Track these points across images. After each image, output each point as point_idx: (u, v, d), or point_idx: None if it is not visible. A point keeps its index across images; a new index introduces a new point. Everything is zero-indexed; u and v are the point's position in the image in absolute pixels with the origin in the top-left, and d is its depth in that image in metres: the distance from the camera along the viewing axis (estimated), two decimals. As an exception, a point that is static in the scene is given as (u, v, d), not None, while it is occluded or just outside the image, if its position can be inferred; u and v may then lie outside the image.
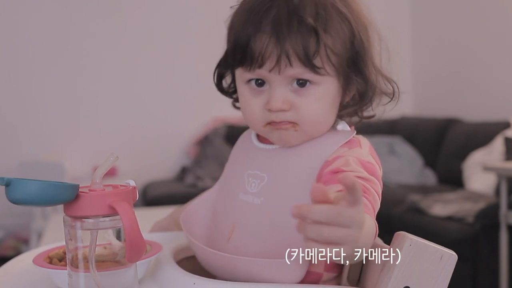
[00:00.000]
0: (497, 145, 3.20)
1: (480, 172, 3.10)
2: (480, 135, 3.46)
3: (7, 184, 0.62)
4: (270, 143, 0.83)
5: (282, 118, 0.76)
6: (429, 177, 3.79)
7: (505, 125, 3.32)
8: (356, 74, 0.78)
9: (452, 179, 3.58)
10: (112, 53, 4.15)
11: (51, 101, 4.07)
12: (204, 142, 4.22)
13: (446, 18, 4.31)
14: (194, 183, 3.80)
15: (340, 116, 0.83)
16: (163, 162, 4.28)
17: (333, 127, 0.82)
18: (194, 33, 4.23)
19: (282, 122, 0.76)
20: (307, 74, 0.74)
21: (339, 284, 0.79)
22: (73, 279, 0.68)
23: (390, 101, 0.85)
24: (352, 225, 0.55)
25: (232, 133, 4.10)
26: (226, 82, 0.87)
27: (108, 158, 0.68)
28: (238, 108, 0.86)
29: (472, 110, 3.96)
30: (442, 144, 3.80)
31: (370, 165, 0.76)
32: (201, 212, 0.89)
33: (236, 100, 0.86)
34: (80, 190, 0.67)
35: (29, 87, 4.02)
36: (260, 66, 0.74)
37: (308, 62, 0.72)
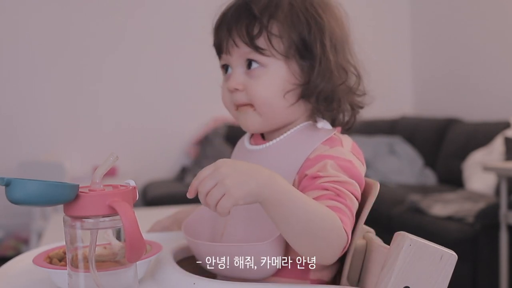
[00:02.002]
0: (497, 145, 3.20)
1: (480, 172, 3.10)
2: (480, 135, 3.45)
3: (7, 184, 0.63)
4: (259, 144, 0.89)
5: (240, 100, 0.86)
6: (429, 177, 3.79)
7: (505, 125, 3.32)
8: (308, 60, 0.84)
9: (452, 179, 3.58)
10: (112, 53, 4.15)
11: (51, 101, 4.07)
12: (204, 142, 4.22)
13: (446, 17, 4.31)
14: (194, 183, 3.79)
15: (318, 111, 0.86)
16: (163, 162, 4.28)
17: (314, 125, 0.87)
18: (194, 33, 4.22)
19: (241, 104, 0.86)
20: (253, 54, 0.84)
21: (339, 283, 0.79)
22: (73, 279, 0.68)
23: (353, 93, 0.88)
24: (218, 180, 0.67)
25: (232, 133, 4.10)
26: None
27: (108, 158, 0.68)
28: None
29: (472, 110, 3.96)
30: (442, 144, 3.80)
31: (348, 164, 0.80)
32: (204, 220, 0.92)
33: None
34: (80, 190, 0.67)
35: (29, 87, 4.02)
36: (221, 51, 0.88)
37: (250, 42, 0.83)
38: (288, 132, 0.87)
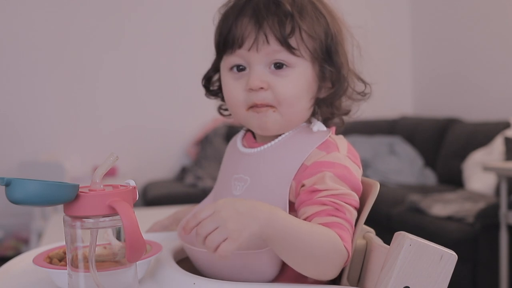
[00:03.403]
0: (497, 145, 3.20)
1: (480, 172, 3.10)
2: (480, 135, 3.45)
3: (7, 184, 0.63)
4: (253, 147, 0.87)
5: (262, 100, 0.81)
6: (429, 177, 3.79)
7: (505, 125, 3.32)
8: (330, 64, 0.82)
9: (452, 179, 3.58)
10: (112, 53, 4.15)
11: (51, 101, 4.07)
12: (204, 142, 4.22)
13: (446, 18, 4.31)
14: (194, 183, 3.80)
15: (319, 113, 0.86)
16: (163, 162, 4.28)
17: (309, 127, 0.85)
18: (194, 33, 4.22)
19: (263, 105, 0.81)
20: (283, 54, 0.80)
21: (339, 283, 0.79)
22: (73, 279, 0.68)
23: (360, 98, 0.88)
24: (219, 223, 0.66)
25: (232, 133, 4.09)
26: (213, 85, 0.93)
27: (108, 158, 0.68)
28: (224, 115, 0.93)
29: (472, 110, 3.96)
30: (442, 144, 3.80)
31: (345, 171, 0.79)
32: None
33: (222, 99, 0.91)
34: (80, 190, 0.67)
35: (29, 87, 4.02)
36: (240, 46, 0.81)
37: (284, 40, 0.79)
38: (283, 135, 0.85)
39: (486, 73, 3.90)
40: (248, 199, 0.70)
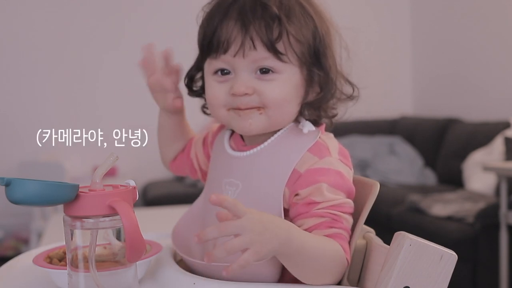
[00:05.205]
0: (497, 145, 3.20)
1: (480, 172, 3.10)
2: (480, 135, 3.45)
3: (7, 184, 0.63)
4: (241, 149, 0.85)
5: (247, 104, 0.79)
6: (429, 177, 3.79)
7: (505, 125, 3.32)
8: (318, 67, 0.80)
9: (452, 179, 3.58)
10: (112, 53, 4.15)
11: (52, 101, 4.07)
12: (204, 142, 4.22)
13: (446, 18, 4.31)
14: (194, 183, 3.80)
15: (306, 114, 0.84)
16: (163, 162, 4.27)
17: (298, 128, 0.83)
18: (194, 33, 4.21)
19: (247, 108, 0.79)
20: (270, 60, 0.77)
21: (339, 283, 0.79)
22: (73, 279, 0.68)
23: (348, 101, 0.86)
24: (243, 232, 0.64)
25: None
26: (196, 86, 0.91)
27: (108, 158, 0.68)
28: (207, 113, 0.91)
29: (472, 110, 3.96)
30: (442, 144, 3.80)
31: (339, 179, 0.78)
32: (195, 228, 0.89)
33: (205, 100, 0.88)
34: (80, 190, 0.67)
35: (29, 87, 4.02)
36: (225, 51, 0.78)
37: (271, 46, 0.76)
38: (273, 138, 0.82)
39: (486, 73, 3.90)
40: (268, 214, 0.70)
